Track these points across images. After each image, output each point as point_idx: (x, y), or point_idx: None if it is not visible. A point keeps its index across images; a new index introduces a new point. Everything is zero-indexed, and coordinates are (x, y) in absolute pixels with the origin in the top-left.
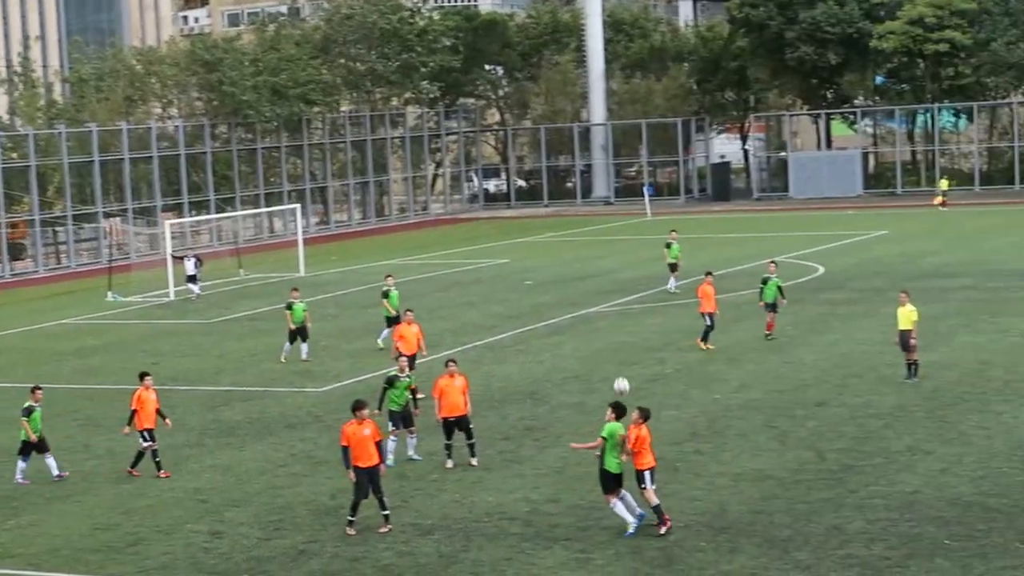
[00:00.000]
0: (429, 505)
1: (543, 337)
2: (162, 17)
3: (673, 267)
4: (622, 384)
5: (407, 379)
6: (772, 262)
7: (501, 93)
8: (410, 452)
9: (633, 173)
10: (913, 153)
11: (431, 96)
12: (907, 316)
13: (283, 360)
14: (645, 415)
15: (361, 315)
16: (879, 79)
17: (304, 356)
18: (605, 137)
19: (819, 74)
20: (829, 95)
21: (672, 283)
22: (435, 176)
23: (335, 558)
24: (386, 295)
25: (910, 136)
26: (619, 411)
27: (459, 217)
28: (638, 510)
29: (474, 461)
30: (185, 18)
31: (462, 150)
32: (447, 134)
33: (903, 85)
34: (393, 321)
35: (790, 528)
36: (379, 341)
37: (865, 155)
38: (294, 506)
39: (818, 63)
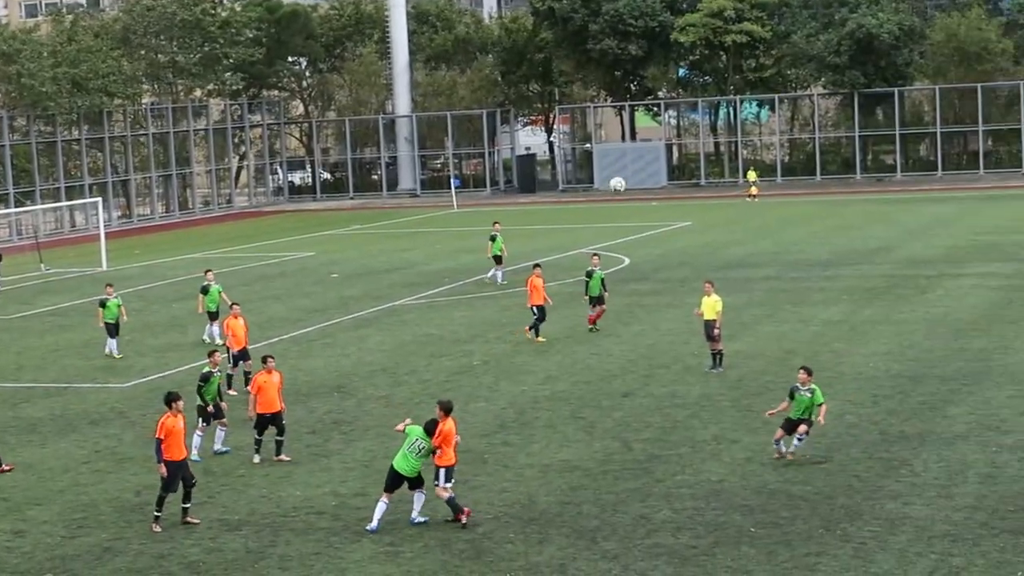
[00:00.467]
0: (236, 500)
1: (349, 330)
2: None
3: (497, 259)
4: (618, 182)
5: (219, 374)
6: (595, 255)
7: (305, 85)
8: (217, 445)
9: (439, 165)
10: (716, 144)
11: (234, 88)
12: (712, 306)
13: (116, 356)
14: (446, 408)
15: (165, 310)
16: (682, 71)
17: (108, 351)
18: (410, 129)
19: (623, 66)
20: (633, 87)
21: (494, 274)
22: (239, 169)
23: (140, 555)
24: (205, 291)
25: (713, 128)
26: (434, 420)
27: (264, 210)
28: (375, 525)
29: (283, 456)
30: None
31: (266, 142)
32: (251, 126)
33: (706, 77)
34: (213, 316)
35: (598, 518)
36: (210, 338)
37: (669, 147)
38: (99, 503)
39: (621, 56)
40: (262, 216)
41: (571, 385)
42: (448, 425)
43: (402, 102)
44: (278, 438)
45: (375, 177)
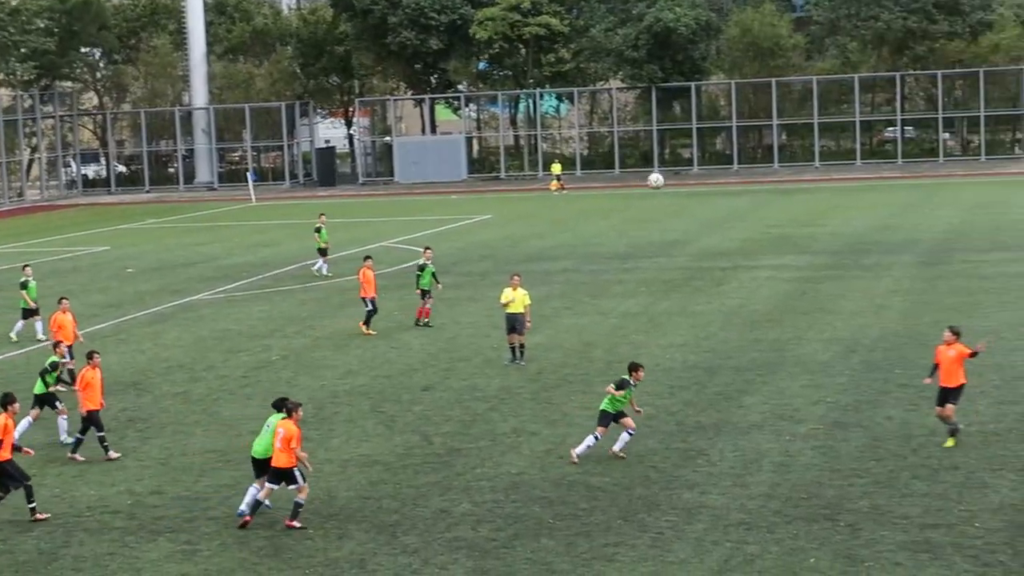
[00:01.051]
0: None
1: (145, 326)
2: None
3: (323, 252)
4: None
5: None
6: (427, 248)
7: (99, 76)
8: (63, 436)
9: (237, 158)
10: (516, 138)
11: (25, 78)
12: (521, 299)
13: None
14: (289, 408)
15: None
16: (482, 65)
17: None
18: (208, 121)
19: (423, 59)
20: (434, 80)
21: (320, 266)
22: (30, 161)
23: None
24: (24, 286)
25: (513, 121)
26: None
27: (56, 204)
28: (246, 504)
29: (77, 456)
30: None
31: (59, 134)
32: (43, 118)
33: (506, 71)
34: (31, 313)
35: (398, 513)
36: (12, 335)
37: (469, 140)
38: None
39: (421, 49)
40: (55, 210)
41: (371, 379)
42: (288, 427)
43: (199, 94)
44: (79, 436)
45: (172, 170)
